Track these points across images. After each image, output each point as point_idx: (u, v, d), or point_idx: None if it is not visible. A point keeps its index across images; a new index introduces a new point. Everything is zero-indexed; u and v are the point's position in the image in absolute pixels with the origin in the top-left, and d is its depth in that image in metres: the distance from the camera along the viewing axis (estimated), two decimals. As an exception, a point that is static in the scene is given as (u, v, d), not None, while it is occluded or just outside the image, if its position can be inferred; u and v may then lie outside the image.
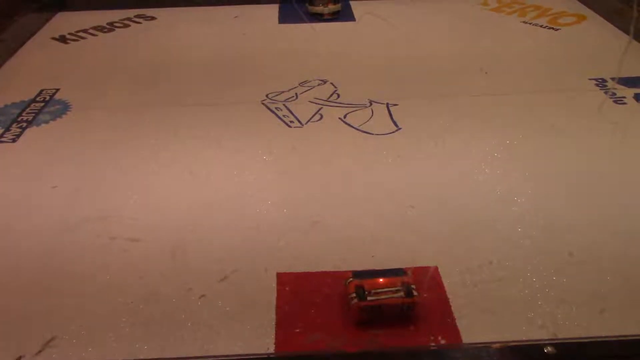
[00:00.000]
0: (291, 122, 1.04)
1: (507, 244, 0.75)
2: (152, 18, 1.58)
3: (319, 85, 1.17)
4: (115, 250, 0.75)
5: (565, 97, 1.10)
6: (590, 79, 1.16)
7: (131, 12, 1.60)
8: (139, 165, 0.93)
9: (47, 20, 1.57)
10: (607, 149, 0.94)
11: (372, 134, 1.00)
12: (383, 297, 0.62)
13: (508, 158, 0.92)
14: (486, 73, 1.21)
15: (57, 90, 1.17)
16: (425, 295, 0.65)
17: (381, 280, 0.64)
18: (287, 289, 0.68)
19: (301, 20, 1.50)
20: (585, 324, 0.63)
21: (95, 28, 1.51)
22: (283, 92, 1.14)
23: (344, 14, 1.56)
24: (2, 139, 1.00)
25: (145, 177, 0.90)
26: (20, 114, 1.08)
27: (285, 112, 1.07)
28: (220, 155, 0.95)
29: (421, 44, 1.38)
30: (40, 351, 0.61)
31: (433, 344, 0.61)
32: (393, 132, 1.00)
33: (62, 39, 1.45)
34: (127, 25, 1.53)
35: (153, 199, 0.85)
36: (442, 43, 1.39)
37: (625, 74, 1.14)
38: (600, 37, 1.39)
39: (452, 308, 0.65)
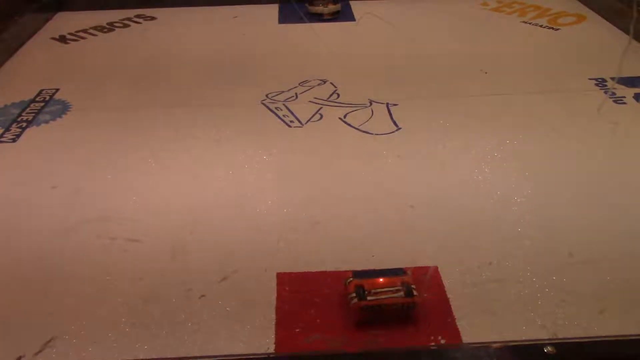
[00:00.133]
0: (291, 122, 1.04)
1: (507, 244, 0.75)
2: (152, 18, 1.58)
3: (318, 85, 1.17)
4: (115, 250, 0.75)
5: (565, 97, 1.10)
6: (590, 79, 1.16)
7: (131, 12, 1.60)
8: (139, 166, 0.93)
9: (47, 20, 1.57)
10: (607, 149, 0.94)
11: (372, 134, 1.00)
12: (383, 297, 0.62)
13: (508, 158, 0.92)
14: (486, 73, 1.21)
15: (57, 90, 1.17)
16: (425, 295, 0.65)
17: (381, 280, 0.64)
18: (287, 289, 0.68)
19: (301, 21, 1.50)
20: (585, 324, 0.63)
21: (95, 28, 1.51)
22: (283, 92, 1.14)
23: (343, 14, 1.56)
24: (2, 139, 1.00)
25: (145, 178, 0.90)
26: (20, 114, 1.08)
27: (285, 112, 1.07)
28: (220, 155, 0.95)
29: (421, 44, 1.38)
30: (40, 351, 0.61)
31: (433, 344, 0.61)
32: (393, 132, 1.00)
33: (62, 39, 1.45)
34: (127, 26, 1.53)
35: (153, 199, 0.85)
36: (442, 43, 1.39)
37: (625, 74, 1.14)
38: (600, 37, 1.39)
39: (452, 308, 0.65)
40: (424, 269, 0.70)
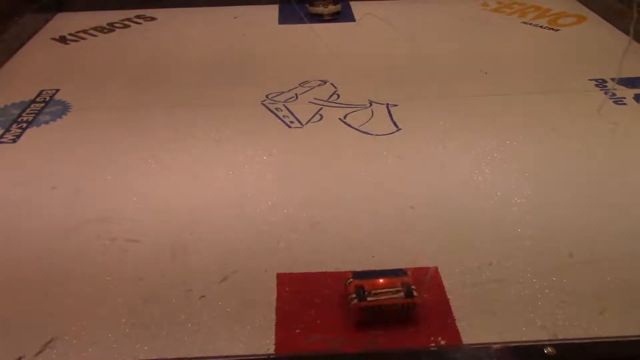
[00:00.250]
0: (291, 122, 1.04)
1: (507, 245, 0.75)
2: (152, 19, 1.58)
3: (319, 85, 1.17)
4: (115, 251, 0.75)
5: (565, 98, 1.10)
6: (590, 80, 1.16)
7: (131, 13, 1.60)
8: (139, 166, 0.93)
9: (47, 20, 1.57)
10: (607, 150, 0.94)
11: (372, 135, 1.00)
12: (383, 297, 0.62)
13: (508, 158, 0.92)
14: (486, 73, 1.21)
15: (57, 90, 1.17)
16: (425, 295, 0.65)
17: (381, 280, 0.64)
18: (287, 289, 0.68)
19: (301, 21, 1.50)
20: (585, 324, 0.63)
21: (95, 28, 1.51)
22: (283, 92, 1.14)
23: (344, 15, 1.56)
24: (2, 140, 1.00)
25: (145, 178, 0.90)
26: (20, 115, 1.08)
27: (286, 112, 1.07)
28: (220, 156, 0.95)
29: (421, 45, 1.38)
30: (40, 352, 0.61)
31: (433, 345, 0.61)
32: (393, 132, 1.00)
33: (62, 40, 1.45)
34: (127, 26, 1.53)
35: (153, 199, 0.85)
36: (442, 44, 1.39)
37: (625, 74, 1.14)
38: (600, 37, 1.40)
39: (452, 308, 0.65)
40: (424, 270, 0.70)
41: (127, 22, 1.55)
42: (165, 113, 1.08)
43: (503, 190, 0.85)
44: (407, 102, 1.09)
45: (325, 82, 1.18)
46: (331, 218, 0.80)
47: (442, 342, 0.61)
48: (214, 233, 0.78)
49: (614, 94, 1.10)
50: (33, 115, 1.08)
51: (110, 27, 1.52)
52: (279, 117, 1.06)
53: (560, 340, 0.61)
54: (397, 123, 1.03)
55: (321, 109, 1.08)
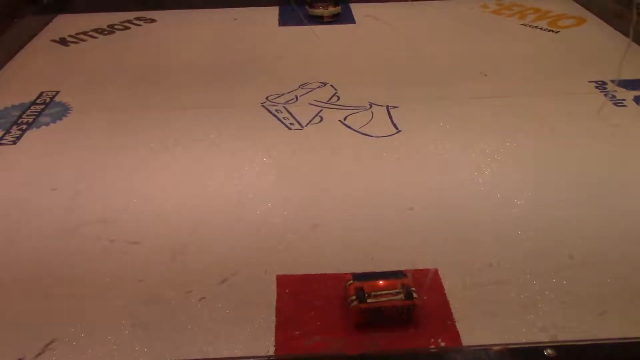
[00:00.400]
0: (291, 124, 1.04)
1: (507, 246, 0.74)
2: (152, 20, 1.58)
3: (319, 87, 1.17)
4: (115, 252, 0.75)
5: (564, 100, 1.11)
6: (590, 82, 1.16)
7: (131, 15, 1.60)
8: (139, 168, 0.93)
9: (47, 22, 1.57)
10: (607, 152, 0.94)
11: (372, 136, 1.00)
12: (383, 299, 0.62)
13: (508, 160, 0.92)
14: (486, 75, 1.21)
15: (57, 92, 1.17)
16: (425, 297, 0.65)
17: (381, 282, 0.64)
18: (287, 291, 0.68)
19: (301, 23, 1.50)
20: (586, 326, 0.63)
21: (95, 30, 1.51)
22: (283, 94, 1.15)
23: (343, 17, 1.56)
24: (3, 141, 1.00)
25: (145, 180, 0.90)
26: (20, 116, 1.08)
27: (286, 114, 1.07)
28: (220, 158, 0.95)
29: (421, 47, 1.38)
30: (40, 353, 0.61)
31: (433, 347, 0.61)
32: (393, 134, 1.00)
33: (63, 42, 1.45)
34: (127, 28, 1.54)
35: (153, 201, 0.85)
36: (441, 46, 1.39)
37: (625, 76, 1.14)
38: (600, 39, 1.40)
39: (452, 310, 0.65)
40: (424, 271, 0.70)
41: (127, 24, 1.55)
42: (165, 115, 1.08)
43: (503, 191, 0.85)
44: (407, 103, 1.09)
45: (325, 84, 1.18)
46: (331, 219, 0.80)
47: (442, 344, 0.61)
48: (213, 235, 0.78)
49: (613, 96, 1.10)
50: (33, 117, 1.08)
51: (111, 29, 1.52)
52: (279, 119, 1.06)
53: (561, 341, 0.61)
54: (397, 125, 1.03)
55: (321, 110, 1.08)
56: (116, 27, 1.54)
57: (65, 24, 1.56)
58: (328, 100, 1.12)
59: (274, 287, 0.69)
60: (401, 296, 0.62)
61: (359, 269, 0.69)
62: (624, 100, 1.09)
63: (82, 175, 0.91)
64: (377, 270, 0.68)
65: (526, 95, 1.13)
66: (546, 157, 0.93)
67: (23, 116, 1.08)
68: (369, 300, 0.62)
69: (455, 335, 0.62)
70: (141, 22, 1.57)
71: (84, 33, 1.49)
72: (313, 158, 0.95)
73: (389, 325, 0.62)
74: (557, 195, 0.84)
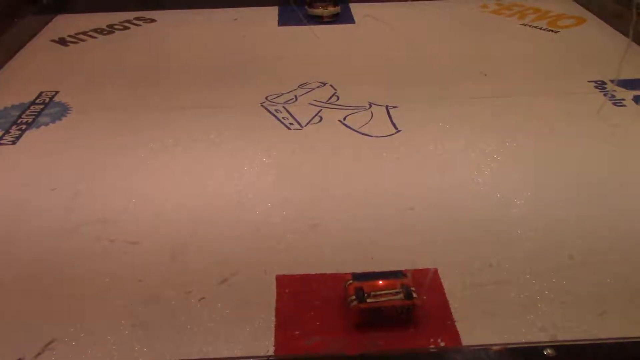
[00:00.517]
0: (291, 124, 1.04)
1: (507, 246, 0.75)
2: (152, 20, 1.58)
3: (318, 87, 1.17)
4: (115, 253, 0.75)
5: (564, 100, 1.11)
6: (589, 82, 1.16)
7: (131, 15, 1.60)
8: (139, 168, 0.93)
9: (47, 22, 1.57)
10: (607, 151, 0.94)
11: (372, 136, 1.00)
12: (382, 299, 0.62)
13: (507, 160, 0.92)
14: (485, 75, 1.21)
15: (57, 92, 1.17)
16: (424, 297, 0.65)
17: (381, 282, 0.64)
18: (286, 291, 0.68)
19: (301, 23, 1.50)
20: (585, 326, 0.63)
21: (95, 30, 1.51)
22: (283, 94, 1.15)
23: (343, 17, 1.56)
24: (2, 141, 1.00)
25: (144, 180, 0.90)
26: (19, 116, 1.08)
27: (285, 114, 1.07)
28: (219, 158, 0.95)
29: (421, 47, 1.38)
30: (39, 353, 0.61)
31: (432, 346, 0.61)
32: (392, 134, 1.00)
33: (62, 42, 1.45)
34: (127, 28, 1.53)
35: (152, 201, 0.85)
36: (441, 45, 1.39)
37: (625, 76, 1.14)
38: (599, 39, 1.40)
39: (452, 310, 0.65)
40: (424, 271, 0.70)
41: (126, 24, 1.55)
42: (165, 115, 1.08)
43: (503, 191, 0.85)
44: (406, 103, 1.09)
45: (324, 84, 1.18)
46: (331, 219, 0.80)
47: (442, 344, 0.61)
48: (213, 235, 0.78)
49: (613, 96, 1.10)
50: (32, 117, 1.08)
51: (110, 29, 1.52)
52: (279, 119, 1.06)
53: (560, 341, 0.61)
54: (397, 125, 1.03)
55: (321, 110, 1.08)
56: (116, 27, 1.54)
57: (65, 24, 1.56)
58: (327, 100, 1.12)
59: (273, 287, 0.69)
60: (401, 296, 0.62)
61: (359, 269, 0.69)
62: (623, 100, 1.09)
63: (82, 175, 0.91)
64: (376, 270, 0.68)
65: (526, 95, 1.13)
66: (546, 157, 0.93)
67: (22, 116, 1.08)
68: (368, 300, 0.62)
69: (455, 335, 0.62)
70: (141, 22, 1.57)
71: (84, 33, 1.49)
72: (313, 158, 0.95)
73: (388, 325, 0.62)
74: (557, 195, 0.84)
